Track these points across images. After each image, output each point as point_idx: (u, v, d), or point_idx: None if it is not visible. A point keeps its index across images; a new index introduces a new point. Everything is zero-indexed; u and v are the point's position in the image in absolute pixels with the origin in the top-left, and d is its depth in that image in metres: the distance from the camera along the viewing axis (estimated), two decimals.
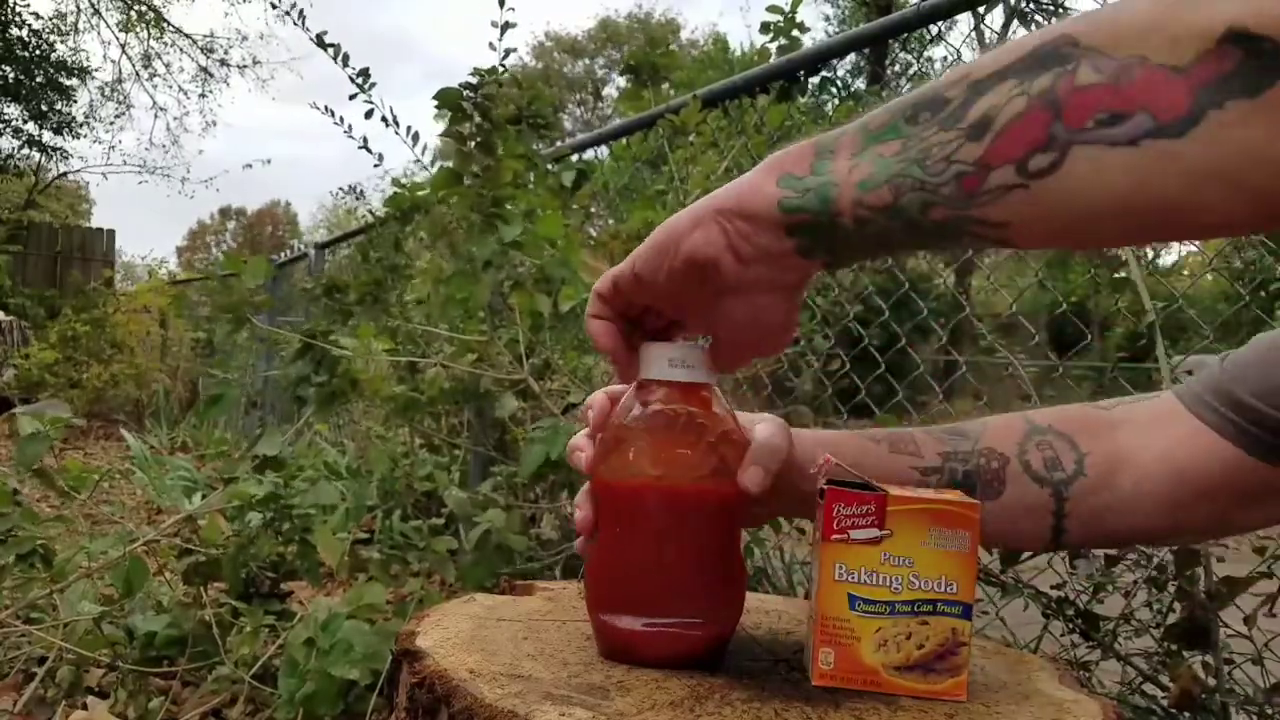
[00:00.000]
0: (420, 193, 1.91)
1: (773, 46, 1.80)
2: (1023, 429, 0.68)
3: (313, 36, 1.90)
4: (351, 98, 1.90)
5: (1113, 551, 1.32)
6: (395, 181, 2.06)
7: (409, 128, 1.92)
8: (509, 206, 1.62)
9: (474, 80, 1.67)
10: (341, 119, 2.14)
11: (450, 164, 1.67)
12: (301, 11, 2.02)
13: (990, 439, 0.68)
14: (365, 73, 1.90)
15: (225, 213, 40.56)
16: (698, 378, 0.60)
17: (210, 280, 8.10)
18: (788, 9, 1.77)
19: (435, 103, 1.67)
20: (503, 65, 1.77)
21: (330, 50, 1.90)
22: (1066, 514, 0.66)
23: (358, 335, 1.74)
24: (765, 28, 1.80)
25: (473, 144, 1.64)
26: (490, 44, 1.79)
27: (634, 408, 0.61)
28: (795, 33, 1.77)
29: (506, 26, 1.79)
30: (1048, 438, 0.67)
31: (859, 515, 0.56)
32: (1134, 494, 0.65)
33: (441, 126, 1.70)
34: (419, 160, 1.93)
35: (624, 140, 2.28)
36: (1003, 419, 0.69)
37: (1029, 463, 0.66)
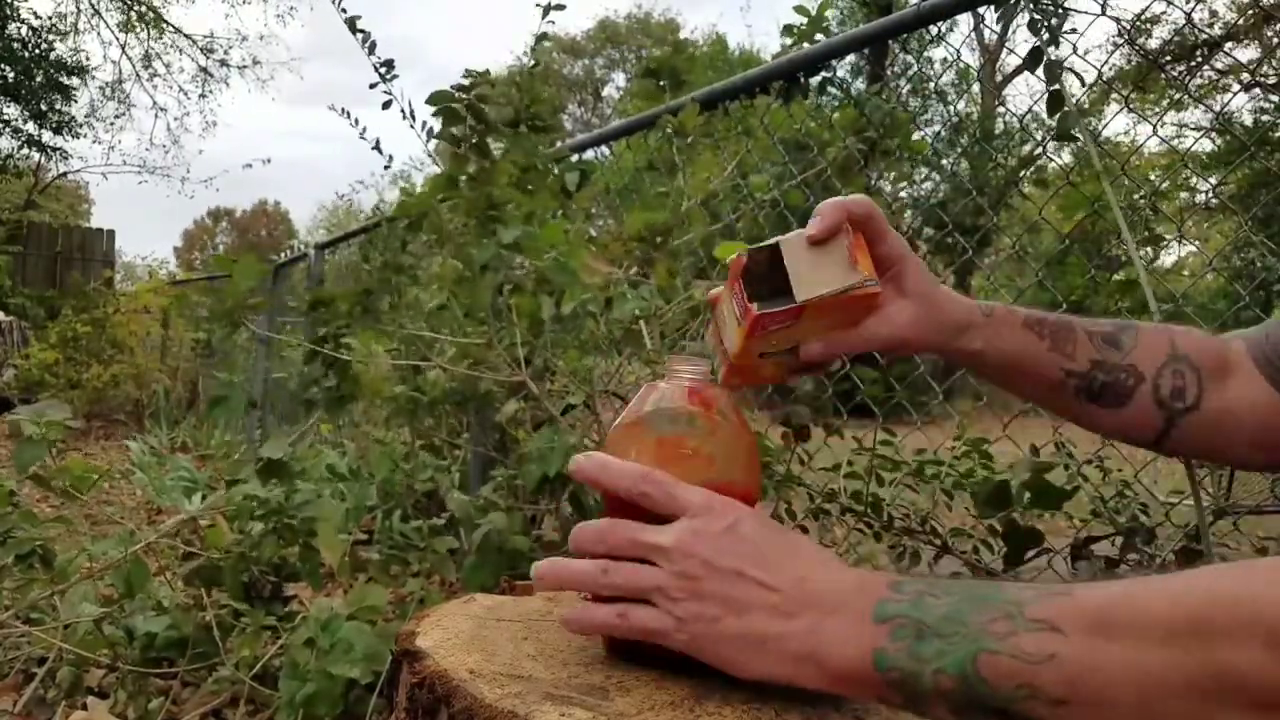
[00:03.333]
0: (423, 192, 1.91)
1: (792, 51, 1.79)
2: (1166, 352, 0.74)
3: (346, 19, 1.90)
4: (373, 86, 1.91)
5: (1114, 554, 1.33)
6: (403, 190, 2.06)
7: (424, 123, 1.93)
8: (509, 208, 1.62)
9: (465, 82, 1.67)
10: (356, 120, 2.15)
11: (445, 167, 1.67)
12: None
13: (1137, 355, 0.74)
14: (390, 64, 1.90)
15: (216, 214, 40.55)
16: (701, 379, 0.61)
17: (211, 282, 8.11)
18: (813, 12, 1.76)
19: (429, 105, 1.68)
20: (543, 41, 1.77)
21: (360, 36, 1.90)
22: (1171, 436, 0.75)
23: (359, 340, 1.74)
24: (789, 29, 1.79)
25: (466, 146, 1.64)
26: (539, 34, 1.80)
27: (639, 408, 0.61)
28: (819, 37, 1.76)
29: (549, 8, 1.78)
30: (1182, 367, 0.74)
31: (780, 322, 0.64)
32: (1232, 436, 0.75)
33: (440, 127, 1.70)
34: (432, 156, 1.94)
35: (624, 141, 2.28)
36: (1152, 334, 0.76)
37: (1159, 387, 0.74)
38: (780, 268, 0.63)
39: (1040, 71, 1.24)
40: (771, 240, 0.62)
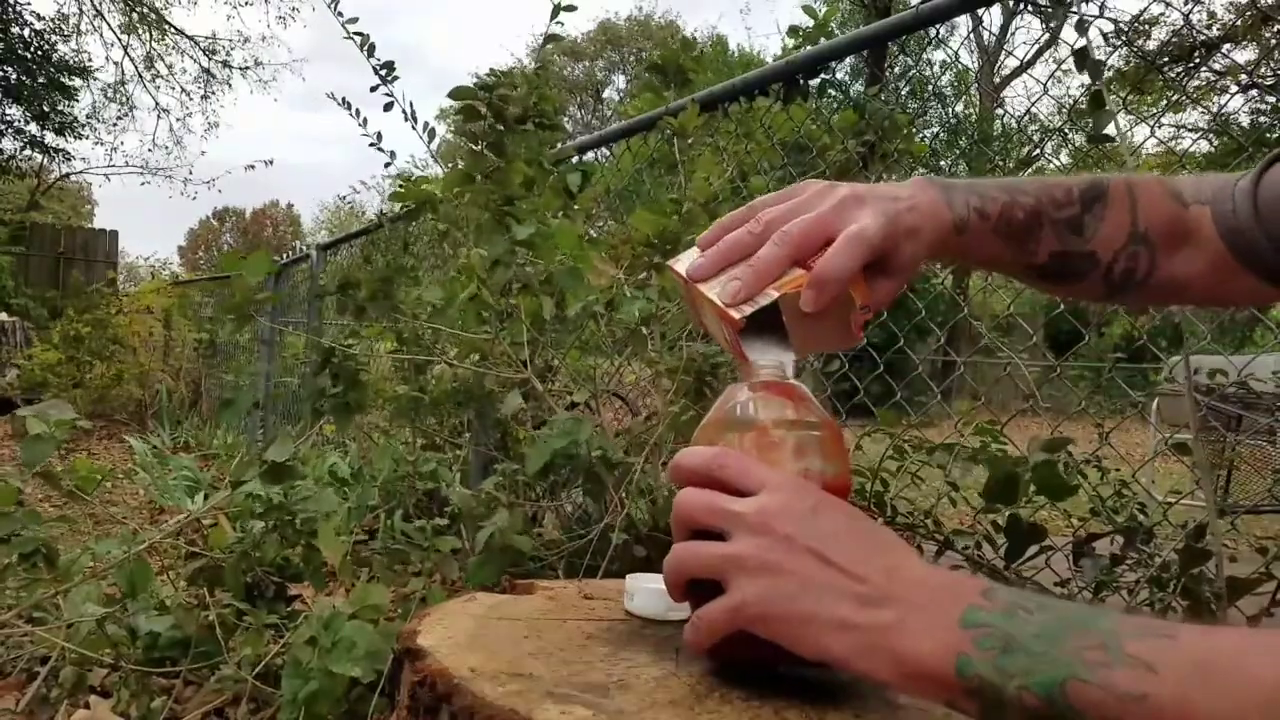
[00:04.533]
0: (426, 186, 1.91)
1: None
2: (1126, 233, 0.75)
3: (342, 23, 1.90)
4: (374, 89, 1.90)
5: (1116, 551, 1.33)
6: (402, 178, 2.06)
7: (425, 123, 1.93)
8: (519, 204, 1.62)
9: (489, 80, 1.68)
10: (358, 111, 2.15)
11: (461, 164, 1.68)
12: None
13: (1098, 241, 0.75)
14: (390, 65, 1.90)
15: (222, 215, 40.56)
16: (780, 375, 0.61)
17: (214, 282, 8.10)
18: (820, 16, 1.76)
19: (451, 99, 1.68)
20: (555, 40, 1.76)
21: (357, 38, 1.90)
22: (1114, 300, 0.80)
23: (364, 337, 1.75)
24: (794, 31, 1.79)
25: (484, 145, 1.64)
26: (551, 33, 1.79)
27: (723, 405, 0.61)
28: (823, 40, 1.76)
29: (558, 9, 1.77)
30: (1139, 248, 0.75)
31: None
32: (1174, 299, 0.80)
33: (443, 128, 1.71)
34: (434, 157, 1.95)
35: (624, 143, 2.29)
36: (1118, 210, 0.75)
37: (1112, 270, 0.75)
38: (775, 309, 0.61)
39: (1041, 72, 1.24)
40: (769, 302, 0.61)
